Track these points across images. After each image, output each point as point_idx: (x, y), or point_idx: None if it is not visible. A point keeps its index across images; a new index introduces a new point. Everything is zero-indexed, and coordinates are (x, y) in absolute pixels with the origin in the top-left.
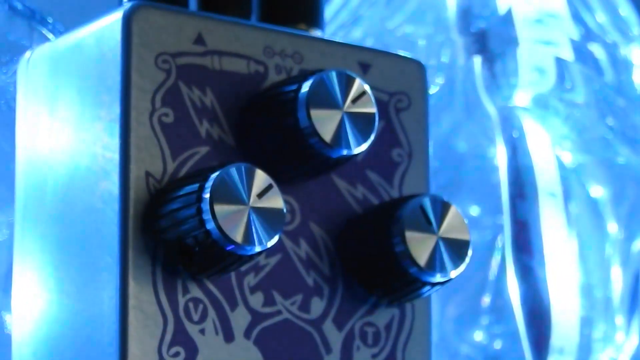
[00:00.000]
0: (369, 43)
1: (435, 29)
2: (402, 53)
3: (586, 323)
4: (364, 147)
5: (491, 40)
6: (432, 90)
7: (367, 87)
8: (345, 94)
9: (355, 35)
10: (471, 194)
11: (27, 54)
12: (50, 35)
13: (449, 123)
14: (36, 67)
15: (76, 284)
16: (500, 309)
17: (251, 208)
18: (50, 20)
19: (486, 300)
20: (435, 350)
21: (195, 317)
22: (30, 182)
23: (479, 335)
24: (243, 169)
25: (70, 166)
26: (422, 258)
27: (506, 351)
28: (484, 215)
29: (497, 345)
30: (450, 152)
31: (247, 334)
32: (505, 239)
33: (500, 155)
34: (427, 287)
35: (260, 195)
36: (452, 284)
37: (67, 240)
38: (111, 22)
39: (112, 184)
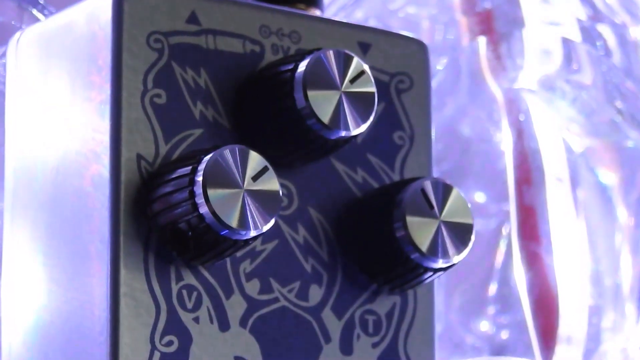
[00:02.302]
0: (371, 24)
1: (439, 10)
2: (403, 33)
3: (595, 312)
4: (364, 128)
5: (496, 21)
6: (436, 72)
7: (365, 67)
8: (343, 73)
9: (357, 17)
10: (476, 180)
11: (17, 35)
12: (40, 16)
13: (453, 107)
14: (26, 49)
15: (66, 271)
16: (507, 298)
17: (246, 191)
18: (41, 1)
19: (492, 289)
20: (440, 340)
21: (189, 305)
22: (20, 167)
23: (484, 325)
24: (237, 151)
25: (60, 149)
26: (424, 243)
27: (513, 341)
28: (489, 202)
29: (504, 335)
30: (454, 137)
31: (242, 322)
32: (512, 226)
33: (506, 140)
34: (429, 273)
35: (255, 177)
36: (457, 272)
37: (57, 226)
38: (102, 1)
39: (103, 167)
